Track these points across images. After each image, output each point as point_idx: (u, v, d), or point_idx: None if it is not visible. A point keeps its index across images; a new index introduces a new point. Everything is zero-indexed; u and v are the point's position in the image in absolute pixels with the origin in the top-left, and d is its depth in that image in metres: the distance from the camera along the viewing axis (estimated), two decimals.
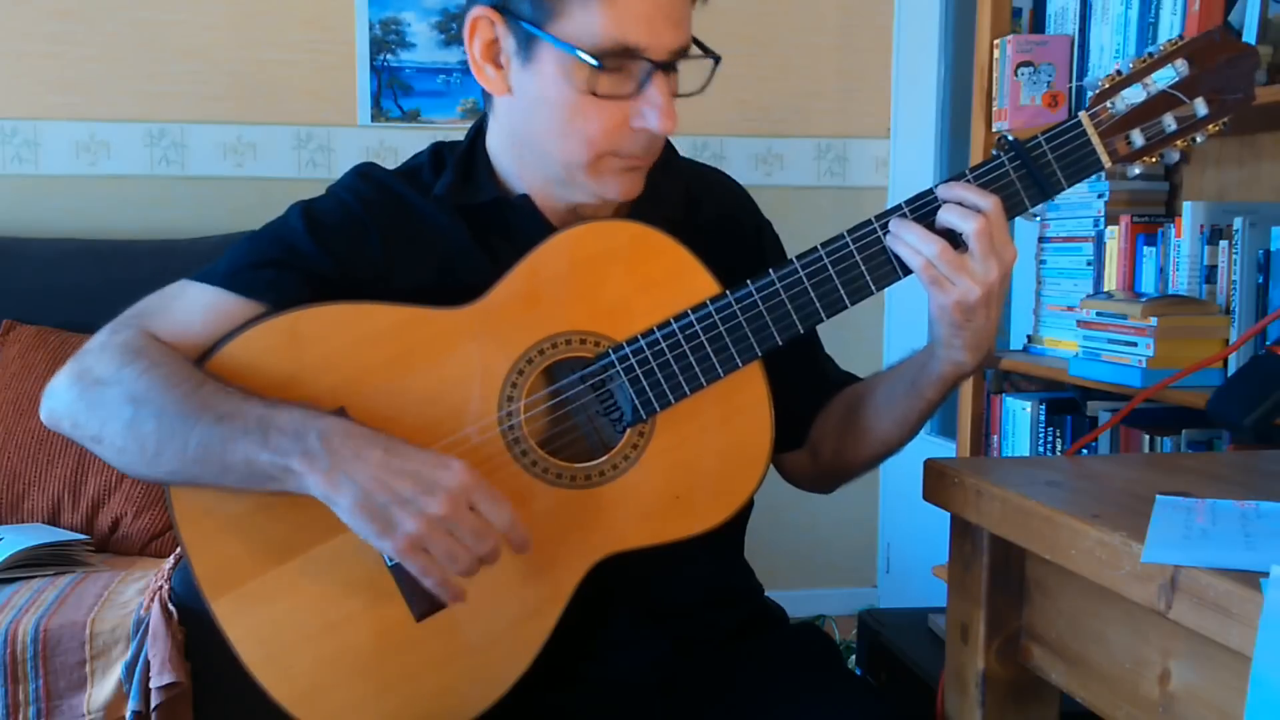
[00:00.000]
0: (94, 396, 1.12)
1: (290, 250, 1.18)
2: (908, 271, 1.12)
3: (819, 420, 1.31)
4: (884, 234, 1.12)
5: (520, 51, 1.12)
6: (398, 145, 3.02)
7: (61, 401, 1.14)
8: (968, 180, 1.11)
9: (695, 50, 1.14)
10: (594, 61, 1.08)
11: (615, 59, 1.09)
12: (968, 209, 1.09)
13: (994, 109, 2.37)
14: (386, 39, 3.02)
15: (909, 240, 1.10)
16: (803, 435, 1.31)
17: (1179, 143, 1.11)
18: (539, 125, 1.14)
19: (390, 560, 1.11)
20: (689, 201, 1.26)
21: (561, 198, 1.20)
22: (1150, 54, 1.11)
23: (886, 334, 3.33)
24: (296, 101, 2.99)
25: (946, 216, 1.10)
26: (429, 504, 1.01)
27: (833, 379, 1.34)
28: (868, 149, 3.28)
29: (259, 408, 1.07)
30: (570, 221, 1.21)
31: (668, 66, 1.12)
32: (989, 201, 1.09)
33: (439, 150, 1.26)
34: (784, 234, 1.37)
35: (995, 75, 2.36)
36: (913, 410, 1.23)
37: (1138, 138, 1.10)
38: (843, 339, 1.35)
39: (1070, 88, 2.28)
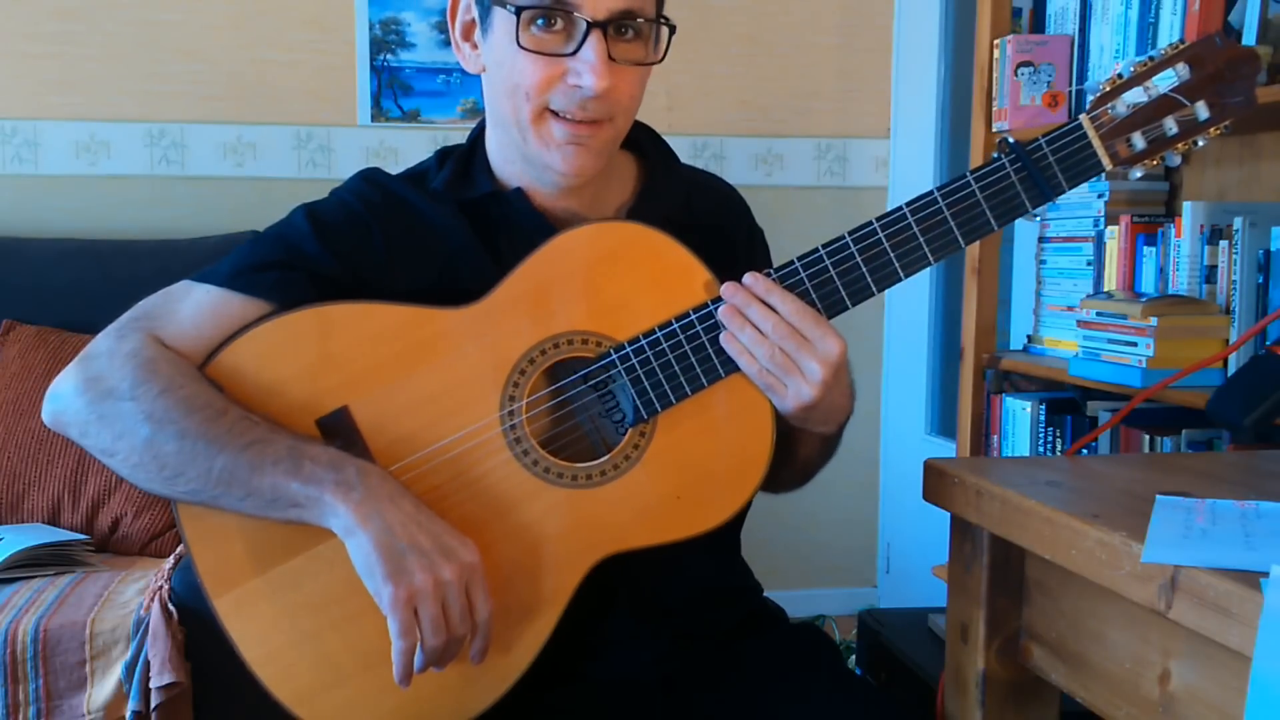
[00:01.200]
0: (106, 409, 1.11)
1: (295, 251, 1.19)
2: (910, 273, 1.12)
3: None
4: (718, 311, 1.12)
5: (482, 24, 1.17)
6: (398, 145, 3.02)
7: (70, 408, 1.14)
8: (770, 276, 1.11)
9: (649, 16, 1.14)
10: (512, 10, 1.11)
11: (549, 14, 1.10)
12: (755, 331, 1.09)
13: (994, 109, 2.37)
14: (386, 39, 3.02)
15: (744, 341, 1.10)
16: None
17: (1180, 146, 1.11)
18: (498, 90, 1.16)
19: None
20: (687, 205, 1.26)
21: (544, 184, 1.20)
22: (1151, 58, 1.11)
23: (887, 334, 3.33)
24: (296, 101, 2.99)
25: (731, 346, 1.11)
26: (442, 566, 1.04)
27: None
28: (868, 149, 3.28)
29: (289, 438, 1.08)
30: (564, 215, 1.21)
31: (609, 28, 1.12)
32: (770, 321, 1.09)
33: (444, 153, 1.27)
34: (784, 234, 1.37)
35: (995, 75, 2.36)
36: (812, 449, 1.24)
37: (1139, 140, 1.11)
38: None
39: (1070, 89, 2.28)
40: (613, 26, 1.12)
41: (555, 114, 1.14)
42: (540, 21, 1.11)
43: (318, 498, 1.06)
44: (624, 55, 1.13)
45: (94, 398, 1.12)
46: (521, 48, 1.11)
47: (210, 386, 1.12)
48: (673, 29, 1.16)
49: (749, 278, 1.11)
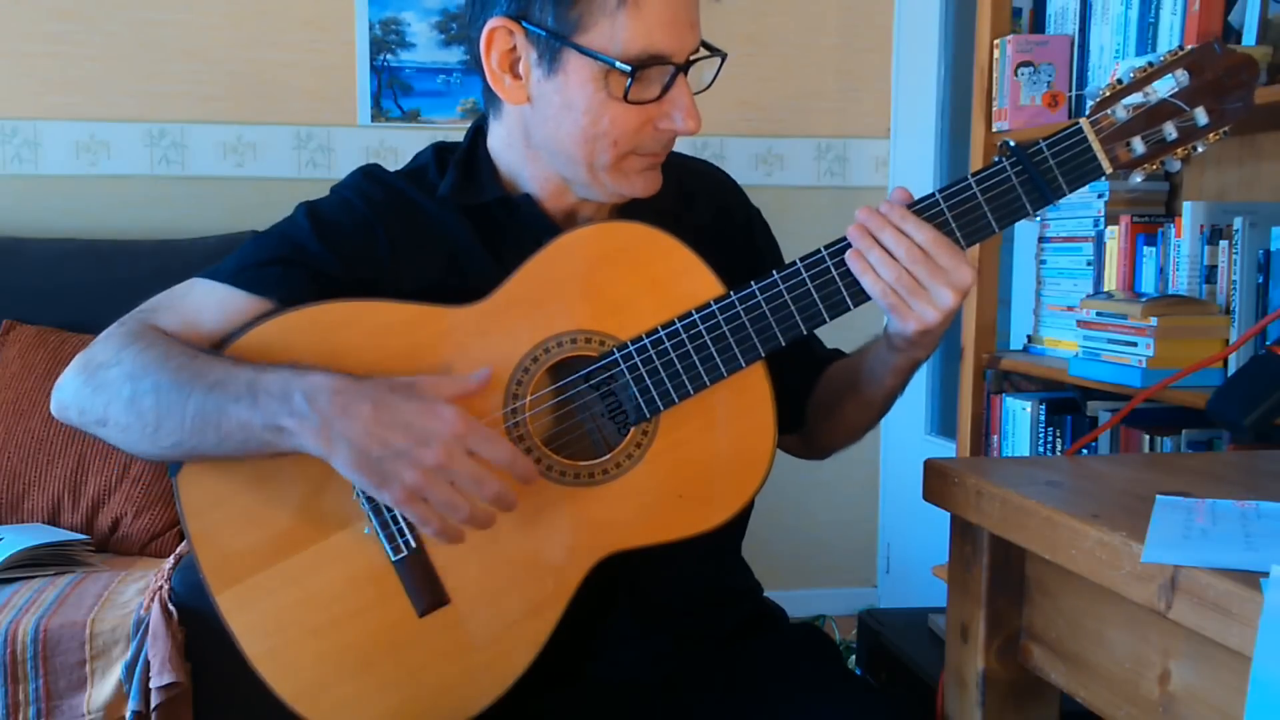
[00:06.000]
0: (97, 380, 1.13)
1: (297, 248, 1.19)
2: None
3: (809, 401, 1.32)
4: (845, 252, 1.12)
5: (543, 62, 1.13)
6: (398, 145, 3.02)
7: (69, 391, 1.16)
8: (912, 207, 1.11)
9: (704, 49, 1.16)
10: (627, 68, 1.09)
11: (643, 66, 1.10)
12: (883, 251, 1.09)
13: (994, 109, 2.37)
14: (386, 39, 3.02)
15: (871, 260, 1.10)
16: (801, 416, 1.31)
17: (1179, 151, 1.12)
18: (565, 130, 1.15)
19: (392, 553, 1.12)
20: (681, 194, 1.26)
21: (569, 196, 1.21)
22: (1151, 63, 1.12)
23: None
24: (296, 101, 2.99)
25: (856, 263, 1.10)
26: (424, 455, 1.02)
27: (820, 356, 1.35)
28: (868, 149, 3.28)
29: (248, 371, 1.08)
30: (572, 220, 1.21)
31: (685, 67, 1.13)
32: (904, 246, 1.09)
33: (441, 151, 1.26)
34: (784, 234, 1.37)
35: (995, 75, 2.36)
36: (876, 396, 1.25)
37: (1138, 145, 1.11)
38: (845, 338, 1.35)
39: (1070, 90, 2.28)
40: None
41: (634, 152, 1.15)
42: (633, 73, 1.11)
43: (280, 429, 1.05)
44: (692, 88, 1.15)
45: (86, 376, 1.14)
46: (629, 102, 1.11)
47: (192, 346, 1.12)
48: (723, 57, 1.17)
49: (885, 205, 1.10)
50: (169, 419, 1.09)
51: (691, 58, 1.14)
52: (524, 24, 1.13)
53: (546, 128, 1.16)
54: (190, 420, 1.08)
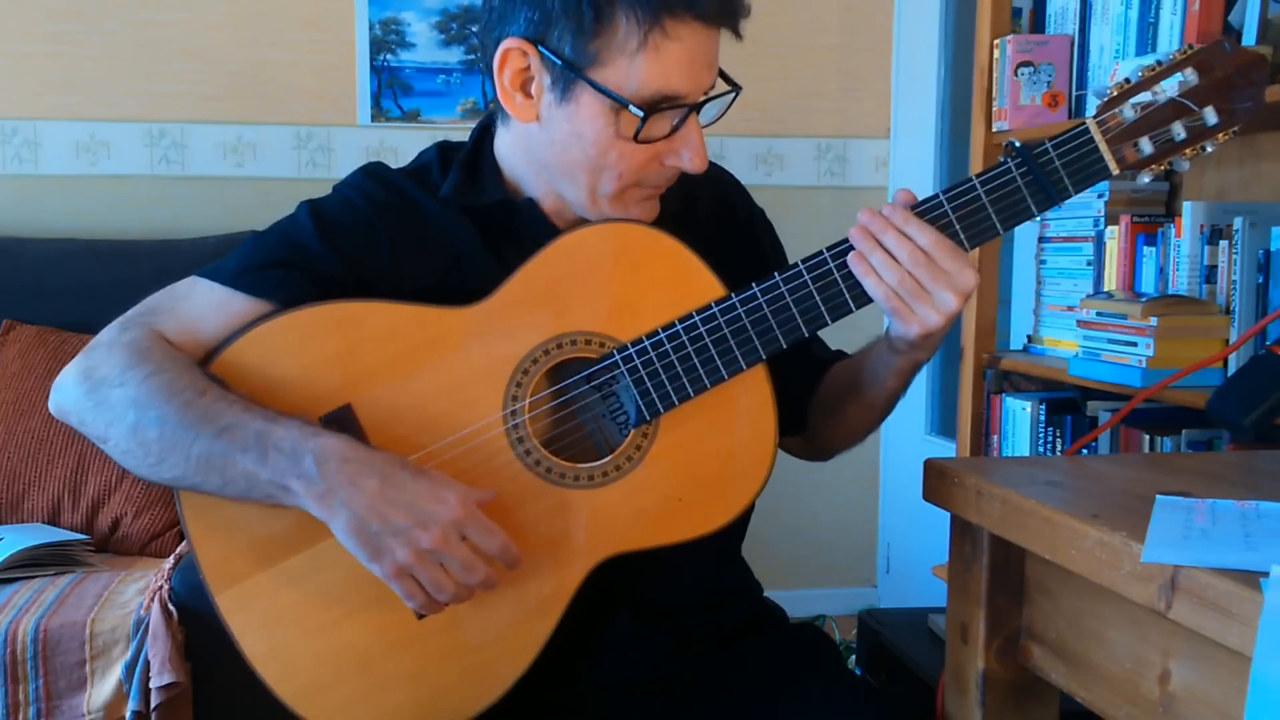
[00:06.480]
0: (100, 396, 1.12)
1: (298, 250, 1.19)
2: None
3: (811, 402, 1.32)
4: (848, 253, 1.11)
5: (556, 88, 1.13)
6: (398, 145, 3.02)
7: (69, 397, 1.15)
8: (915, 208, 1.11)
9: (720, 82, 1.16)
10: (640, 113, 1.09)
11: (656, 108, 1.10)
12: (886, 255, 1.09)
13: (994, 109, 2.37)
14: (386, 39, 3.02)
15: (874, 263, 1.09)
16: (803, 418, 1.31)
17: (1188, 151, 1.10)
18: (570, 157, 1.14)
19: None
20: (685, 194, 1.26)
21: (571, 209, 1.20)
22: (1159, 62, 1.10)
23: None
24: (296, 101, 2.99)
25: (858, 266, 1.10)
26: (421, 537, 1.04)
27: (823, 358, 1.35)
28: (868, 149, 3.28)
29: (258, 421, 1.07)
30: (575, 224, 1.21)
31: (698, 106, 1.13)
32: (906, 249, 1.08)
33: (446, 151, 1.26)
34: (784, 234, 1.37)
35: (995, 75, 2.36)
36: (878, 398, 1.24)
37: (1146, 145, 1.10)
38: (847, 339, 1.35)
39: (1070, 90, 2.28)
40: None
41: (637, 185, 1.15)
42: (646, 116, 1.10)
43: (285, 488, 1.06)
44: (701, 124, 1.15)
45: (89, 387, 1.13)
46: (639, 142, 1.11)
47: (199, 371, 1.12)
48: (738, 91, 1.17)
49: (888, 208, 1.10)
50: (172, 454, 1.09)
51: (706, 94, 1.14)
52: (540, 49, 1.11)
53: (553, 149, 1.15)
54: (195, 461, 1.08)
